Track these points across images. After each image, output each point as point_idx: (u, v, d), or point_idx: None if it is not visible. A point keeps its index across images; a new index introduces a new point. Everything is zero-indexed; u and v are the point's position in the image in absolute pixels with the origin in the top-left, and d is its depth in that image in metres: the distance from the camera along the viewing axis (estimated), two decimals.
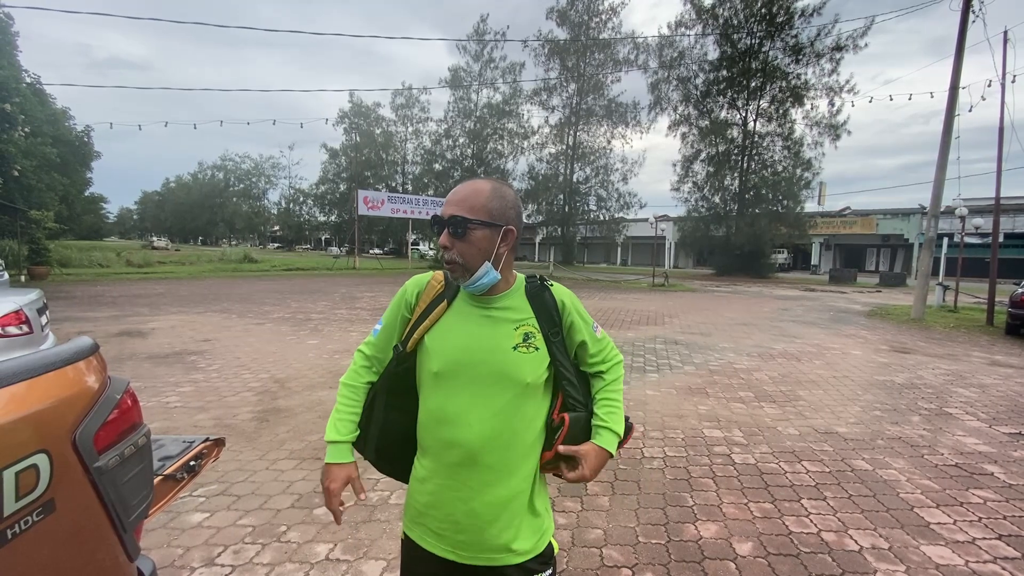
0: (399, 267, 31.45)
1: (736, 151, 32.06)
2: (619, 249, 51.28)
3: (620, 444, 1.25)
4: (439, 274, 1.24)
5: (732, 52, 30.43)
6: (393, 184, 49.00)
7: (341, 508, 1.23)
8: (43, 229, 18.22)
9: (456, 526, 1.14)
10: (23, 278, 16.25)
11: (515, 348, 1.14)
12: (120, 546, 1.09)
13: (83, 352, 1.10)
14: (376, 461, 1.32)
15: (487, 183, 1.14)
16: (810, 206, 34.00)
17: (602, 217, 42.29)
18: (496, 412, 1.12)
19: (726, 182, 32.48)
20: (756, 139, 31.55)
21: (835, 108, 29.35)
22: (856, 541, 2.67)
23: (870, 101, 32.07)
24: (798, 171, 30.56)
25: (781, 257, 40.00)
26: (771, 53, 30.01)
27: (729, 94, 31.58)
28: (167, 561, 2.38)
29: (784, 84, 30.05)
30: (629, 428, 1.29)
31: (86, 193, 50.26)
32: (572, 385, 1.22)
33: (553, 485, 3.23)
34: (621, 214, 41.57)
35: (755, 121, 31.42)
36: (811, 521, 2.86)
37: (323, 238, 72.33)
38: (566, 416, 1.19)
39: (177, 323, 9.20)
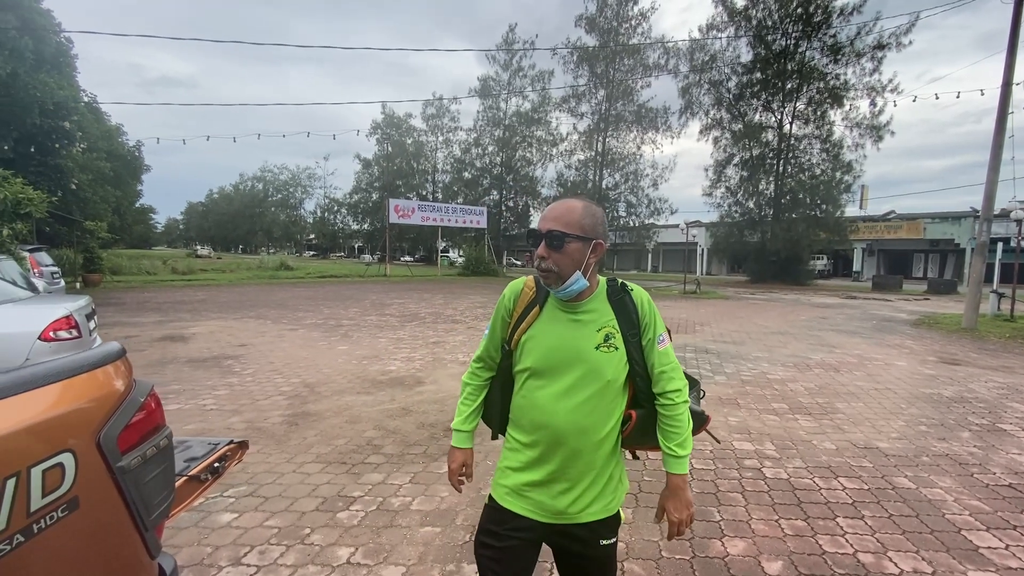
0: (428, 274, 31.83)
1: (771, 155, 31.18)
2: (650, 256, 50.52)
3: (698, 430, 1.50)
4: (530, 280, 1.42)
5: (766, 54, 29.68)
6: (423, 192, 49.73)
7: (461, 482, 1.51)
8: (96, 239, 19.29)
9: (538, 490, 1.33)
10: (78, 285, 17.21)
11: (597, 348, 1.30)
12: (142, 544, 1.13)
13: (111, 356, 1.16)
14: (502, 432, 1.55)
15: (579, 202, 1.31)
16: (851, 210, 32.72)
17: (632, 223, 41.78)
18: (580, 404, 1.29)
19: (761, 186, 31.60)
20: (792, 142, 30.61)
21: (877, 108, 28.19)
22: (896, 564, 2.53)
23: (914, 100, 30.78)
24: (837, 174, 29.45)
25: (820, 263, 38.56)
26: (808, 53, 29.12)
27: (763, 96, 30.78)
28: (196, 559, 2.46)
29: (822, 85, 29.08)
30: (705, 419, 1.52)
31: (136, 204, 53.03)
32: (644, 380, 1.35)
33: None
34: (651, 220, 40.95)
35: (791, 123, 30.52)
36: (847, 541, 2.73)
37: (356, 246, 73.96)
38: (633, 413, 1.35)
39: (216, 328, 9.56)
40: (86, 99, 25.23)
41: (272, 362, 6.84)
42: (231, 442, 1.78)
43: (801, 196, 30.03)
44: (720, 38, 30.69)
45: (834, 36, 28.11)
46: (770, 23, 29.14)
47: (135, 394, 1.16)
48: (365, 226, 57.15)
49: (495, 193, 44.97)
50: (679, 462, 1.33)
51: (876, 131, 28.38)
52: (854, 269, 40.53)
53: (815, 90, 29.38)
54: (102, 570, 1.04)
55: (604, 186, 41.27)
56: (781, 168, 30.85)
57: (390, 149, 49.69)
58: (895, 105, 37.11)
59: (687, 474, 1.36)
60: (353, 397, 5.29)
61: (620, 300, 1.33)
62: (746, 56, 30.78)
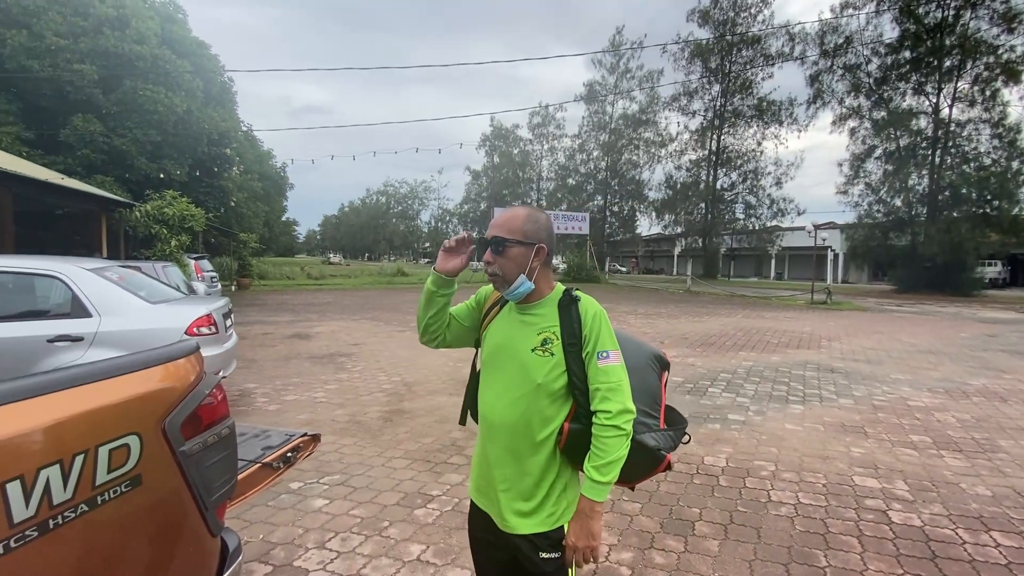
0: None
1: (924, 144, 26.93)
2: (772, 261, 46.21)
3: (650, 475, 1.45)
4: None
5: (917, 29, 25.77)
6: (528, 200, 50.61)
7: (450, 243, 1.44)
8: (248, 248, 22.38)
9: (487, 484, 1.39)
10: (233, 288, 20.10)
11: (532, 350, 1.32)
12: (202, 521, 1.25)
13: (185, 351, 1.31)
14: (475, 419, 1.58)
15: (523, 209, 1.38)
16: None
17: (751, 226, 38.61)
18: (512, 402, 1.33)
19: (911, 181, 27.39)
20: (952, 128, 26.14)
21: None
22: None
23: None
24: (1014, 164, 24.58)
25: (992, 270, 32.41)
26: (972, 24, 24.78)
27: (914, 78, 26.75)
28: (289, 538, 2.70)
29: (992, 60, 24.53)
30: (659, 461, 1.41)
31: (282, 218, 60.87)
32: (583, 394, 1.30)
33: (655, 518, 2.98)
34: (775, 222, 37.51)
35: (950, 107, 26.12)
36: None
37: None
38: (566, 426, 1.31)
39: (337, 328, 10.55)
40: (244, 128, 29.56)
41: (379, 361, 7.37)
42: (305, 434, 1.93)
43: (964, 191, 25.55)
44: (857, 16, 27.31)
45: (1007, 1, 23.61)
46: None
47: (202, 387, 1.29)
48: (475, 234, 59.62)
49: (599, 198, 44.39)
50: (594, 487, 1.26)
51: None
52: None
53: (982, 66, 24.94)
54: (163, 541, 1.17)
55: (719, 186, 38.77)
56: (937, 159, 26.51)
57: (497, 160, 51.43)
58: None
59: (600, 503, 1.26)
60: (445, 398, 5.50)
61: (567, 308, 1.34)
62: (891, 34, 27.09)
